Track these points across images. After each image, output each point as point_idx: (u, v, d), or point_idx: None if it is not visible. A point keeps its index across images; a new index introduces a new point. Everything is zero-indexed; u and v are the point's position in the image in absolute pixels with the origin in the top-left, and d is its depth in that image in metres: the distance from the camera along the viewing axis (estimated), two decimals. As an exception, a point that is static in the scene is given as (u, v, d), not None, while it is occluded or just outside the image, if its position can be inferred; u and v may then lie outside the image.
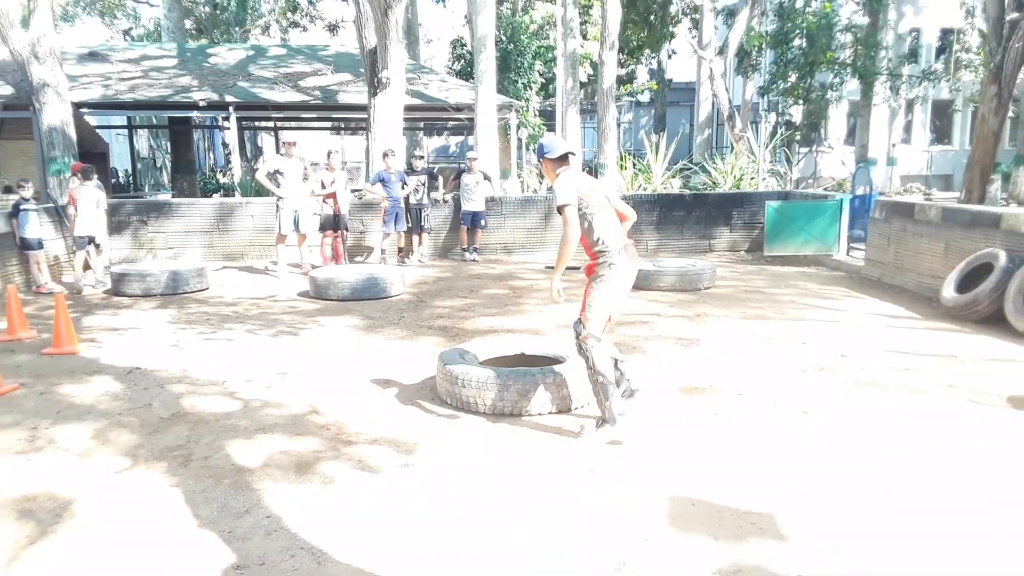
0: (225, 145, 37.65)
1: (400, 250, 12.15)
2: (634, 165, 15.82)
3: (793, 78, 24.19)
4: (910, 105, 30.17)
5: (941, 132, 31.63)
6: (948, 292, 7.45)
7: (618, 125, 29.60)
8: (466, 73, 22.82)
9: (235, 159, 18.11)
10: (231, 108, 16.88)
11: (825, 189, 20.85)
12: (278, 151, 11.60)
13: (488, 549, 3.19)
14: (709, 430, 4.53)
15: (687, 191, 14.95)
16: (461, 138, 25.20)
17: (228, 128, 29.25)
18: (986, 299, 6.92)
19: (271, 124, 25.62)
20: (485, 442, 4.41)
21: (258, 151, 32.56)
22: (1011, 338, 6.63)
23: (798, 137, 26.27)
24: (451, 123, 21.06)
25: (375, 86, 13.53)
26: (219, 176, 25.59)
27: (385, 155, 11.65)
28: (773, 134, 18.54)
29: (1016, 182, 18.55)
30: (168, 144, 24.38)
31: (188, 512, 3.56)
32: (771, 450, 4.21)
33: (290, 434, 4.56)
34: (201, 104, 16.80)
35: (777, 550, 3.11)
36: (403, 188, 11.50)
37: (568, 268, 4.42)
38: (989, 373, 5.61)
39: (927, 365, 5.82)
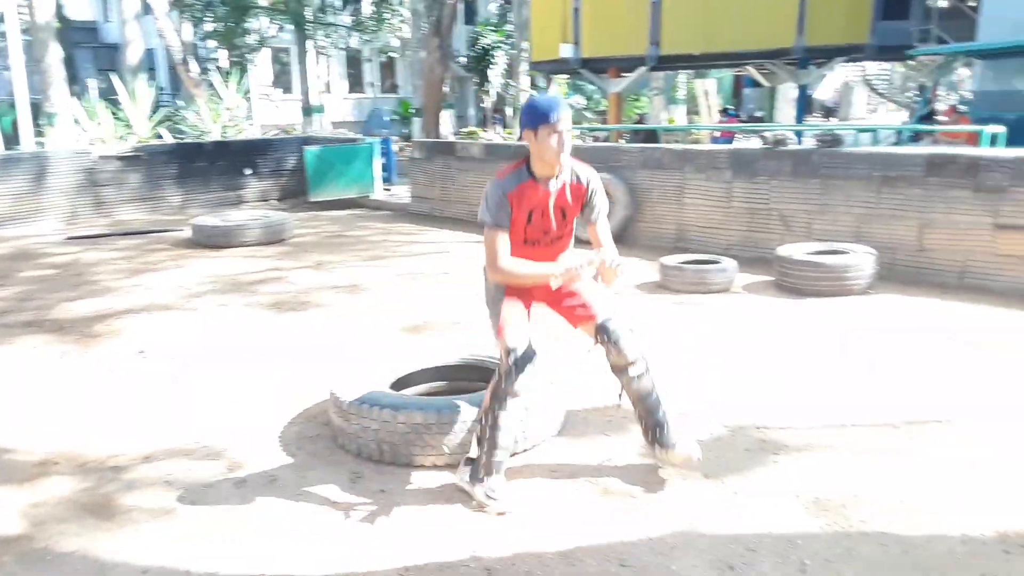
0: None
1: None
2: (115, 114, 13.83)
3: (211, 24, 23.87)
4: (327, 57, 32.61)
5: (354, 81, 35.13)
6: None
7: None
8: None
9: None
10: None
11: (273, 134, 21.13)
12: None
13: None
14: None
15: (202, 141, 13.76)
16: None
17: None
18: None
19: None
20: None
21: None
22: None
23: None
24: None
25: None
26: None
27: None
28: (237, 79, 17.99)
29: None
30: None
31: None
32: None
33: None
34: None
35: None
36: None
37: None
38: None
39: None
